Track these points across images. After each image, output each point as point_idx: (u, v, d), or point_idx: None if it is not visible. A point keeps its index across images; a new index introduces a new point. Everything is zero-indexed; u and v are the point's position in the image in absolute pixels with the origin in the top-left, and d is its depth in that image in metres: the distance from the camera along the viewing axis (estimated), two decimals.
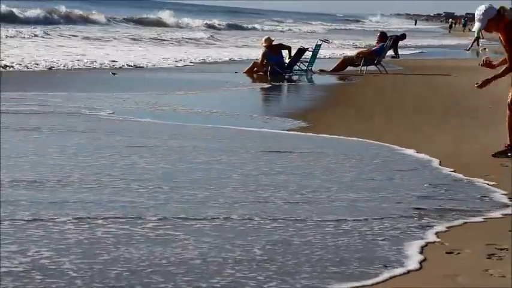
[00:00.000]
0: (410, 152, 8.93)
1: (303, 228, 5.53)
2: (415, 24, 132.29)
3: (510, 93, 8.52)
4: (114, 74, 18.86)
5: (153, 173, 7.26)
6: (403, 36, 32.66)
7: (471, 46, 42.91)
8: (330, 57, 28.99)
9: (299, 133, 10.45)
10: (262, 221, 5.68)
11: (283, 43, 23.48)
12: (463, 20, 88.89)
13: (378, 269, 4.69)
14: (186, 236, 5.24)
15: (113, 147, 8.61)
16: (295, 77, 21.38)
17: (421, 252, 5.03)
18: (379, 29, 41.58)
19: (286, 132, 10.57)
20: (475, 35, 44.20)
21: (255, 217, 5.77)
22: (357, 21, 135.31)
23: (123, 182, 6.81)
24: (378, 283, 4.47)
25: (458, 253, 5.05)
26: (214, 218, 5.70)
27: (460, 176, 7.62)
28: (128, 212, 5.82)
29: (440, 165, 8.13)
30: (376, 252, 5.02)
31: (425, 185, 7.15)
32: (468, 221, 5.93)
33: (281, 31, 64.90)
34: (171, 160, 7.99)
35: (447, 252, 5.05)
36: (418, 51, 40.39)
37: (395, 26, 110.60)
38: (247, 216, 5.80)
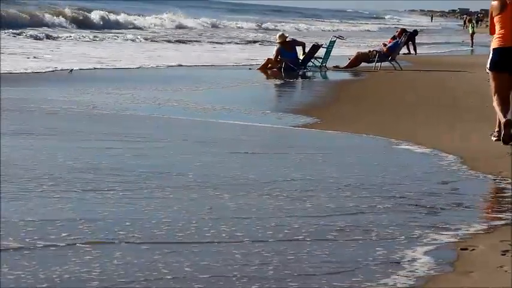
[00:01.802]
0: (424, 148, 8.90)
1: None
2: (431, 21, 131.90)
3: None
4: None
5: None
6: (415, 32, 32.81)
7: (472, 43, 42.91)
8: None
9: (314, 130, 10.46)
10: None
11: (297, 39, 23.48)
12: (475, 17, 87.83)
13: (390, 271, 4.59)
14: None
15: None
16: (309, 74, 21.38)
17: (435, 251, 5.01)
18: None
19: (301, 128, 10.58)
20: (470, 30, 44.26)
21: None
22: (378, 18, 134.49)
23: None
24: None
25: (473, 249, 5.05)
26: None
27: (475, 172, 7.60)
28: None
29: (455, 162, 8.10)
30: (389, 254, 4.94)
31: (440, 182, 7.12)
32: (482, 217, 5.92)
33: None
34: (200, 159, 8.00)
35: (462, 249, 5.05)
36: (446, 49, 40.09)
37: (425, 23, 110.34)
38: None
